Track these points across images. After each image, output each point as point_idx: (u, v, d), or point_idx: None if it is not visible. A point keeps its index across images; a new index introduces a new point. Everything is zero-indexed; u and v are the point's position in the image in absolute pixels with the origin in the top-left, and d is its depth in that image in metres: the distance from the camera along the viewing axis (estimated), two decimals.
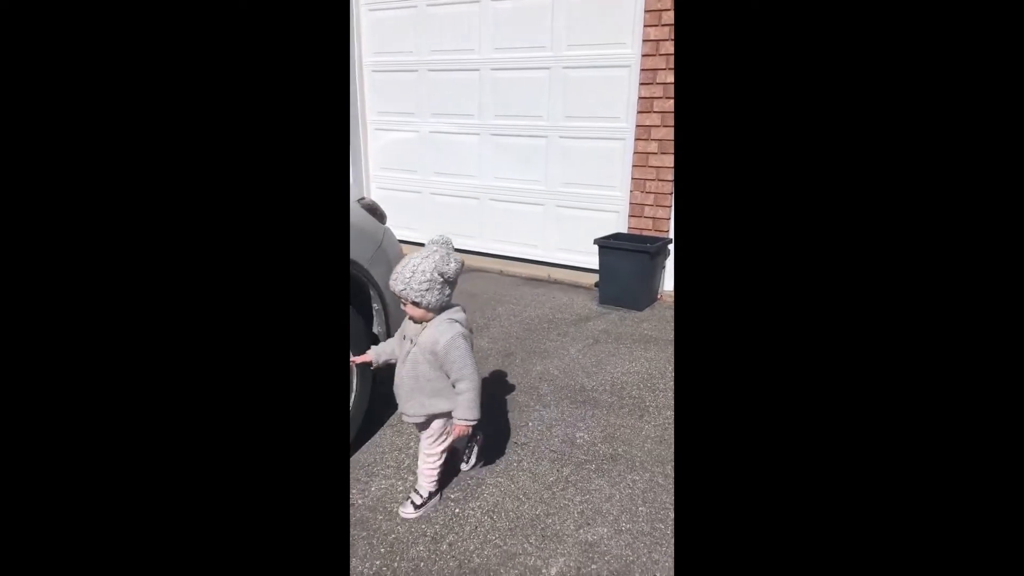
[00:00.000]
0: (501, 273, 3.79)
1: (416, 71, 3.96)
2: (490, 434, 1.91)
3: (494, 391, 2.24)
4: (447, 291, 1.45)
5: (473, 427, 1.50)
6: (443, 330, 1.43)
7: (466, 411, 1.45)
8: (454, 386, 1.45)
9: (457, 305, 1.53)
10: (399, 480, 1.70)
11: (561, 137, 3.56)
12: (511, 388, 2.26)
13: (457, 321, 1.46)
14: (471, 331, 1.51)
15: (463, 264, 1.46)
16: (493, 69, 3.67)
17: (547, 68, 3.49)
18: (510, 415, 2.06)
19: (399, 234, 2.29)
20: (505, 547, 1.45)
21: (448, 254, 1.43)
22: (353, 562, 1.38)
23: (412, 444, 1.88)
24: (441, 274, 1.40)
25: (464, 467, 1.72)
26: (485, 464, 1.78)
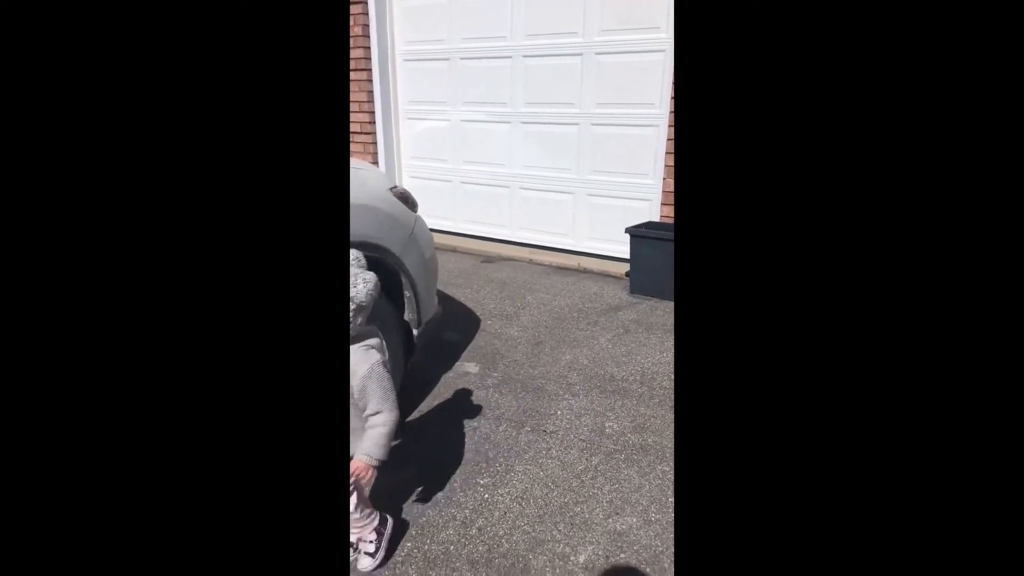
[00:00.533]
0: (531, 262, 3.79)
1: (448, 59, 3.96)
2: (432, 465, 1.91)
3: (523, 379, 2.25)
4: (358, 319, 1.23)
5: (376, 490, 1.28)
6: (358, 359, 1.24)
7: (375, 446, 1.22)
8: (367, 420, 1.25)
9: (373, 331, 1.34)
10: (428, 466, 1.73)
11: (593, 124, 3.52)
12: (540, 376, 2.27)
13: (373, 348, 1.28)
14: (389, 360, 1.30)
15: (378, 284, 1.27)
16: (525, 56, 3.64)
17: (579, 54, 3.45)
18: (539, 403, 2.07)
19: (430, 223, 2.31)
20: (534, 533, 1.46)
21: (355, 275, 1.23)
22: None
23: (442, 431, 1.91)
24: (351, 299, 1.21)
25: (368, 564, 1.34)
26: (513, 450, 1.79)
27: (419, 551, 1.40)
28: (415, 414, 2.00)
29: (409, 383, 2.01)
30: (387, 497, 1.57)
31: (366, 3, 3.97)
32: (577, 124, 3.57)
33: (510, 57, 3.70)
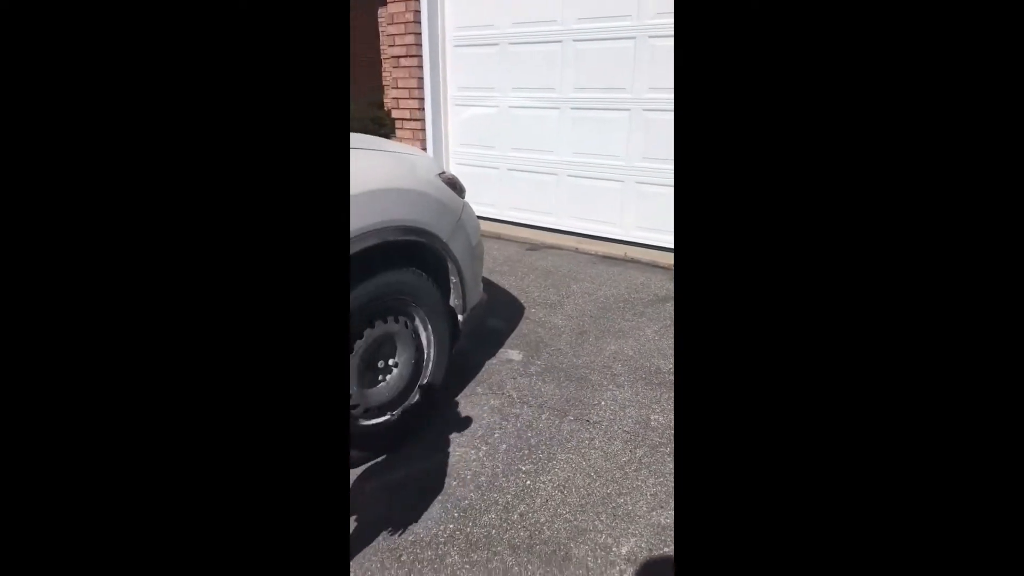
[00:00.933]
0: (576, 250, 3.75)
1: (497, 44, 3.93)
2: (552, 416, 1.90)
3: (567, 368, 2.23)
4: None
5: None
6: None
7: None
8: None
9: None
10: (472, 448, 1.75)
11: (645, 110, 3.43)
12: (584, 366, 2.25)
13: None
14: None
15: None
16: (576, 40, 3.58)
17: (632, 38, 3.35)
18: (582, 393, 2.05)
19: (476, 210, 2.31)
20: (575, 522, 1.45)
21: None
22: (428, 524, 1.44)
23: (485, 415, 1.92)
24: None
25: None
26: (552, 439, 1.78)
27: (461, 533, 1.41)
28: (458, 398, 2.02)
29: (453, 369, 2.03)
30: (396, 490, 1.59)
31: None
32: (628, 110, 3.49)
33: (560, 41, 3.64)
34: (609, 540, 1.40)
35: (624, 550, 1.37)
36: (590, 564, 1.33)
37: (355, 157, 1.62)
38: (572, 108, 3.72)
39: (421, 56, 4.15)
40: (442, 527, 1.43)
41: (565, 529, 1.43)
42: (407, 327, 1.76)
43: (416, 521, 1.44)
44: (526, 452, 1.73)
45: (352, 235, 1.43)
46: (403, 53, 4.22)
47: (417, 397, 1.80)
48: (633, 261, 3.53)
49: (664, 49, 3.27)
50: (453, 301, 1.93)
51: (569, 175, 3.87)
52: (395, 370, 1.75)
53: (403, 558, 1.34)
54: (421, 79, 4.22)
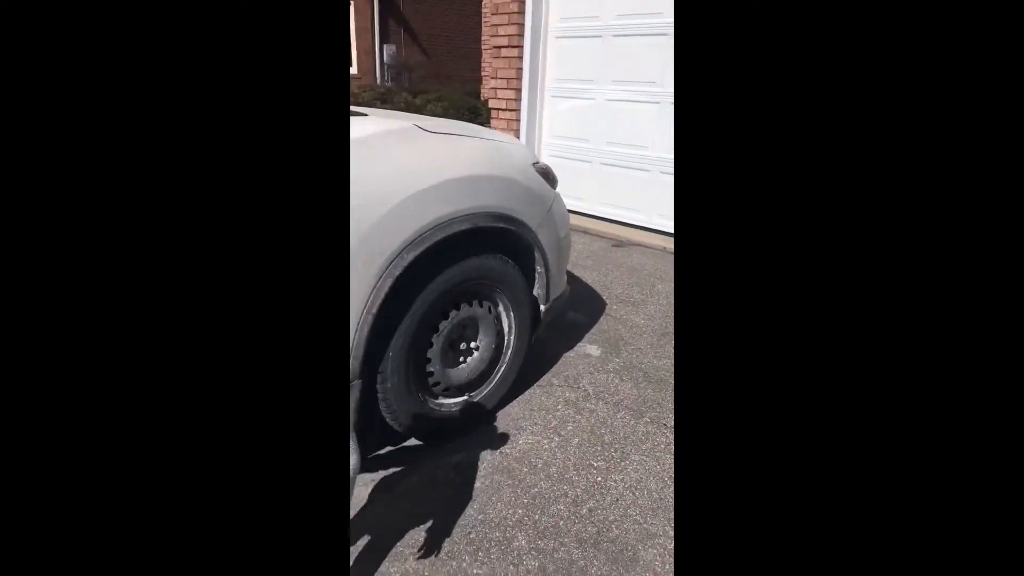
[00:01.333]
0: (664, 250, 3.64)
1: (600, 36, 3.87)
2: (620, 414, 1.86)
3: (646, 368, 2.18)
4: None
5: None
6: None
7: None
8: None
9: None
10: (544, 438, 1.75)
11: None
12: (664, 369, 2.18)
13: None
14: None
15: None
16: None
17: None
18: (660, 396, 2.00)
19: (566, 203, 2.30)
20: (645, 525, 1.42)
21: None
22: (499, 507, 1.47)
23: (560, 406, 1.92)
24: None
25: None
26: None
27: (529, 519, 1.43)
28: (533, 388, 2.04)
29: (531, 360, 2.04)
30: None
31: None
32: None
33: (665, 34, 3.53)
34: None
35: None
36: (658, 569, 1.30)
37: (453, 143, 1.66)
38: (672, 103, 3.60)
39: (522, 47, 4.18)
40: (511, 511, 1.46)
41: (634, 530, 1.41)
42: (490, 312, 1.79)
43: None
44: (599, 449, 1.72)
45: (445, 219, 1.48)
46: (505, 43, 4.26)
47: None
48: None
49: None
50: (536, 290, 1.94)
51: (663, 172, 3.75)
52: (476, 353, 1.79)
53: (472, 535, 1.38)
54: (520, 69, 4.24)
